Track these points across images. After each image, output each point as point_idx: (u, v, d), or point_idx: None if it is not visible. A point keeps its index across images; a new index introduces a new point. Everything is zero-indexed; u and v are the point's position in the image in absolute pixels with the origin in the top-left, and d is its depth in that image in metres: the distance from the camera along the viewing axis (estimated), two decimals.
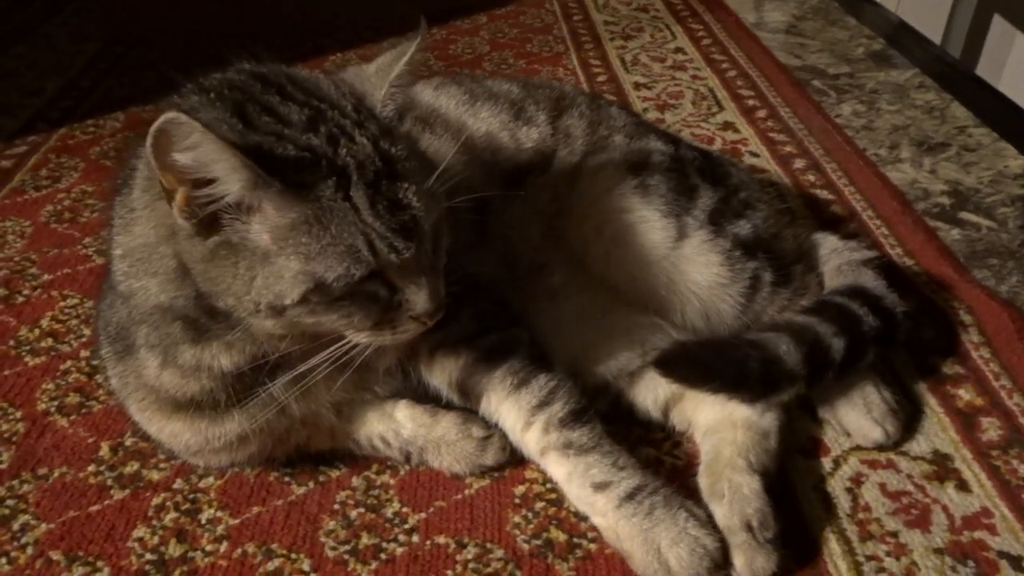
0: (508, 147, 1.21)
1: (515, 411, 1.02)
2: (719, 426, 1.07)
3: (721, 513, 0.97)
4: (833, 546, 0.98)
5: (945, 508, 1.03)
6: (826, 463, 1.10)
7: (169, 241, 0.84)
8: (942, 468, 1.08)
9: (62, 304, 1.42)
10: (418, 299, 0.85)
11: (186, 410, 0.96)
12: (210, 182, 0.77)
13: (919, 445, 1.11)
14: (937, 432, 1.13)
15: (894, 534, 0.99)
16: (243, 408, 0.95)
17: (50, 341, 1.34)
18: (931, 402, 1.18)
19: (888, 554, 0.97)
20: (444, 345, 1.04)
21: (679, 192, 1.20)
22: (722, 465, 1.02)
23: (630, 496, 0.95)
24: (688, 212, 1.18)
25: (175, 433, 1.00)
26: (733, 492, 0.97)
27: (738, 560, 0.93)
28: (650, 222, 1.16)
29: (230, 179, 0.77)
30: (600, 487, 0.97)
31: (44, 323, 1.38)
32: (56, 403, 1.22)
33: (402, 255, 0.82)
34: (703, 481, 1.02)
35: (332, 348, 0.88)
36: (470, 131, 1.20)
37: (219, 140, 0.74)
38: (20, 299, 1.44)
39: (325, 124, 0.82)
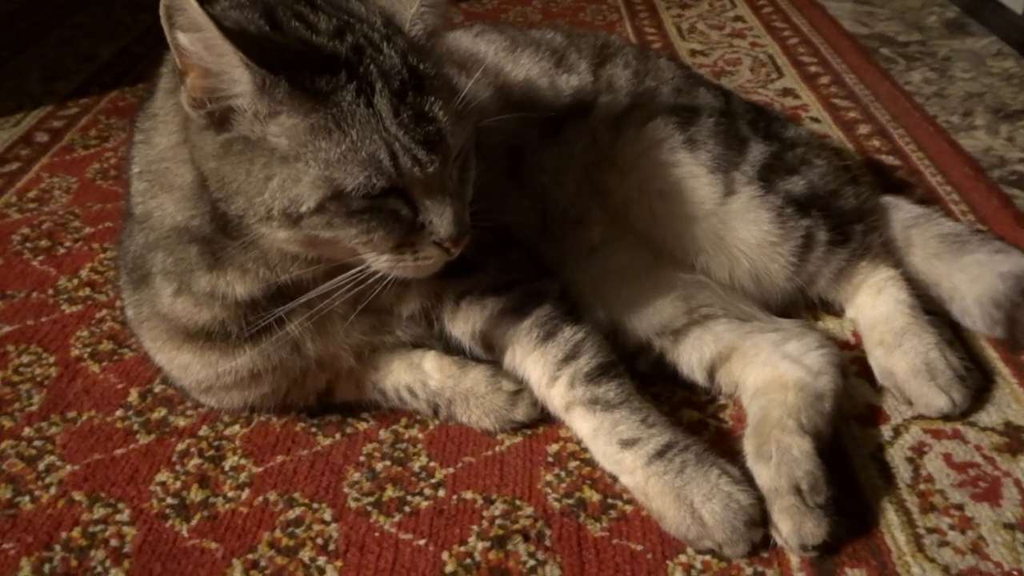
0: (547, 94, 1.16)
1: (540, 365, 0.97)
2: (769, 387, 1.00)
3: (767, 475, 0.90)
4: (891, 517, 0.91)
5: (1018, 482, 0.94)
6: (885, 431, 1.02)
7: (187, 145, 0.81)
8: (1015, 440, 0.99)
9: (102, 256, 1.42)
10: (441, 221, 0.81)
11: (196, 340, 0.93)
12: (217, 74, 0.74)
13: (989, 416, 1.02)
14: (1010, 403, 1.04)
15: (959, 507, 0.91)
16: (256, 343, 0.92)
17: (88, 291, 1.33)
18: (1004, 372, 1.08)
19: (952, 527, 0.89)
20: (470, 294, 0.99)
21: (727, 147, 1.13)
22: (770, 426, 0.94)
23: (660, 453, 0.89)
24: (736, 167, 1.12)
25: (185, 365, 0.97)
26: (782, 453, 0.90)
27: (784, 525, 0.86)
28: (697, 177, 1.10)
29: (236, 75, 0.74)
30: (628, 444, 0.91)
31: (83, 274, 1.38)
32: (89, 349, 1.21)
33: (425, 169, 0.78)
34: (749, 443, 0.95)
35: (349, 273, 0.83)
36: (508, 76, 1.14)
37: (218, 30, 0.71)
38: (62, 251, 1.44)
39: (353, 34, 0.79)
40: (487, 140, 0.98)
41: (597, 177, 1.16)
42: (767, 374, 1.02)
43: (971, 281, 1.12)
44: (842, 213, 1.14)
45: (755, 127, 1.18)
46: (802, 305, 1.18)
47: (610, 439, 0.92)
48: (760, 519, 0.86)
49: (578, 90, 1.17)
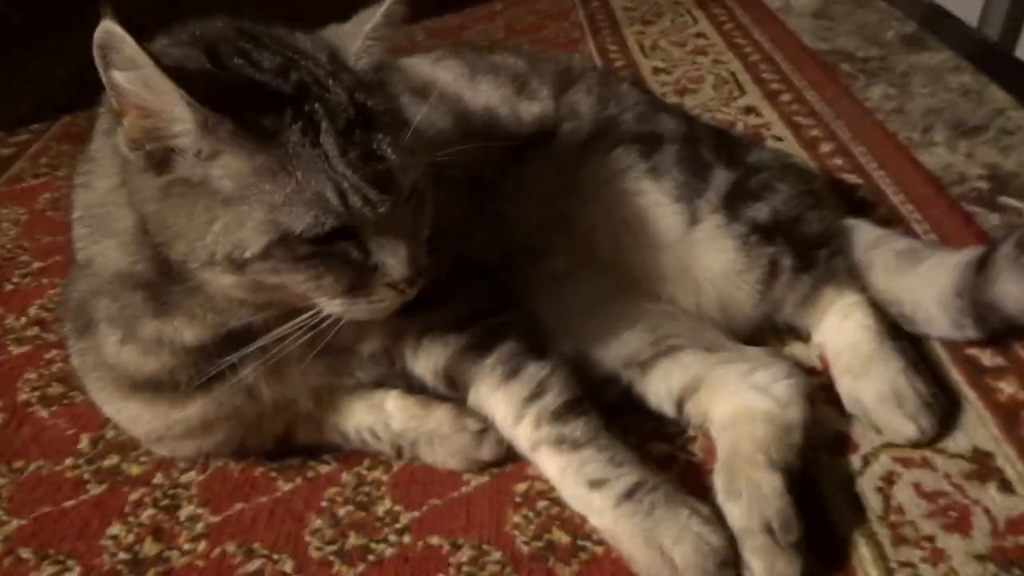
0: (508, 122, 1.14)
1: (504, 403, 0.94)
2: (738, 419, 0.99)
3: (738, 513, 0.88)
4: (863, 551, 0.89)
5: (987, 510, 0.93)
6: (855, 460, 1.01)
7: (126, 188, 0.78)
8: (983, 467, 0.98)
9: (51, 292, 1.37)
10: (395, 262, 0.78)
11: (145, 390, 0.90)
12: (157, 113, 0.71)
13: (956, 442, 1.02)
14: (977, 428, 1.03)
15: (930, 538, 0.90)
16: (207, 392, 0.88)
17: (36, 330, 1.29)
18: (970, 396, 1.08)
19: (924, 560, 0.88)
20: (431, 330, 0.96)
21: (691, 174, 1.12)
22: (740, 461, 0.93)
23: (628, 494, 0.87)
24: (700, 195, 1.11)
25: (133, 416, 0.93)
26: (752, 490, 0.89)
27: (756, 565, 0.84)
28: (662, 206, 1.10)
29: (177, 113, 0.71)
30: (596, 484, 0.89)
31: (32, 311, 1.33)
32: (38, 393, 1.16)
33: (376, 208, 0.75)
34: (719, 479, 0.93)
35: (301, 318, 0.80)
36: (467, 104, 1.12)
37: (157, 68, 0.68)
38: (9, 287, 1.39)
39: (298, 71, 0.76)
40: (446, 171, 0.96)
41: (560, 204, 1.14)
42: (735, 405, 1.00)
43: (927, 285, 1.12)
44: (806, 239, 1.14)
45: (718, 152, 1.17)
46: (768, 331, 1.17)
47: (577, 479, 0.90)
48: (732, 559, 0.84)
49: (540, 118, 1.16)
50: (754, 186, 1.15)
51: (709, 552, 0.83)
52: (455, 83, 1.16)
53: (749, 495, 0.89)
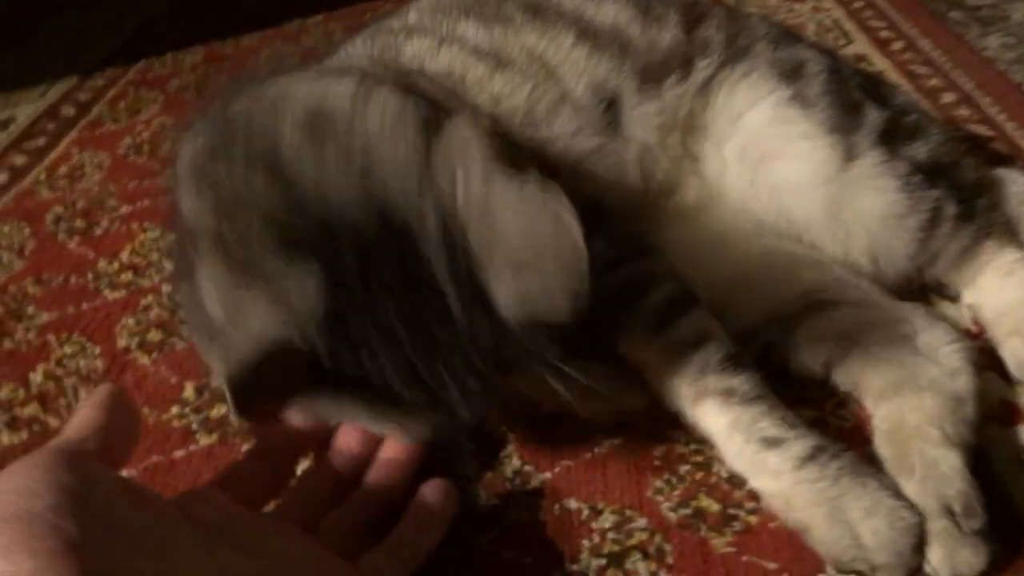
0: (639, 43, 1.05)
1: (660, 352, 0.86)
2: (899, 388, 0.89)
3: (911, 492, 0.79)
4: None
5: None
6: None
7: None
8: None
9: (142, 237, 1.32)
10: None
11: None
12: None
13: None
14: None
15: None
16: None
17: (130, 275, 1.24)
18: None
19: None
20: None
21: (843, 107, 1.02)
22: (908, 434, 0.84)
23: (811, 457, 0.78)
24: (856, 130, 1.00)
25: None
26: (927, 468, 0.80)
27: (935, 553, 0.75)
28: (813, 139, 0.99)
29: None
30: (772, 443, 0.80)
31: (124, 256, 1.28)
32: (137, 339, 1.11)
33: None
34: (885, 451, 0.84)
35: None
36: (592, 21, 1.03)
37: None
38: (99, 231, 1.35)
39: None
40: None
41: (691, 145, 1.05)
42: (895, 373, 0.91)
43: None
44: (966, 186, 1.03)
45: (866, 90, 1.07)
46: (914, 289, 1.08)
47: (749, 437, 0.81)
48: (922, 542, 0.76)
49: (672, 47, 1.06)
50: (907, 127, 1.05)
51: (905, 530, 0.74)
52: (574, 1, 1.07)
53: (924, 472, 0.80)
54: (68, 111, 1.73)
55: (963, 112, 1.56)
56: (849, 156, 0.98)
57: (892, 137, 1.01)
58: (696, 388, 0.84)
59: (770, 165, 1.01)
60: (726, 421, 0.83)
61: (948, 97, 1.61)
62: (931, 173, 1.00)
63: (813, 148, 0.98)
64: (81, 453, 0.62)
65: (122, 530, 0.56)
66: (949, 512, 0.77)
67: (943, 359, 0.91)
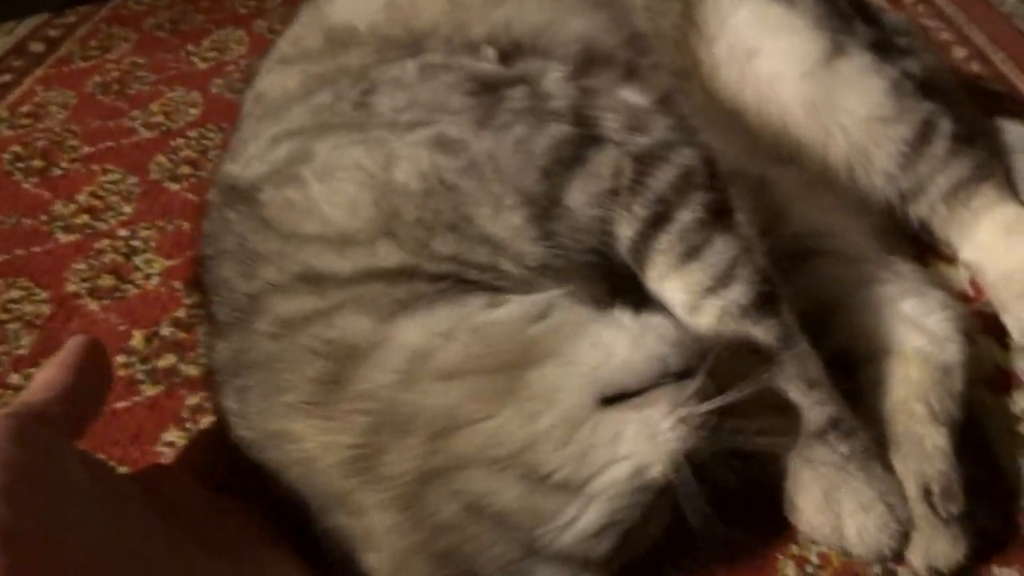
0: None
1: (681, 291, 0.72)
2: (883, 355, 0.83)
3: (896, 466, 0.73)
4: None
5: None
6: (1021, 400, 0.86)
7: None
8: None
9: (102, 179, 1.26)
10: None
11: None
12: None
13: None
14: None
15: None
16: None
17: (86, 217, 1.18)
18: None
19: None
20: None
21: (829, 10, 0.96)
22: (893, 408, 0.78)
23: (821, 433, 0.69)
24: (844, 32, 0.94)
25: None
26: (911, 445, 0.73)
27: (912, 542, 0.69)
28: (798, 31, 0.93)
29: None
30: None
31: (81, 198, 1.22)
32: (87, 285, 1.05)
33: None
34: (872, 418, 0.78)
35: None
36: None
37: None
38: (57, 172, 1.28)
39: None
40: None
41: (687, 48, 0.99)
42: (880, 338, 0.85)
43: None
44: (964, 114, 0.96)
45: (858, 9, 1.01)
46: (896, 232, 0.98)
47: None
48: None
49: None
50: (901, 45, 0.98)
51: (895, 532, 0.68)
52: None
53: (907, 449, 0.73)
54: (37, 47, 1.65)
55: (975, 67, 1.47)
56: (835, 52, 0.92)
57: (884, 49, 0.95)
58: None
59: (755, 60, 0.94)
60: None
61: (960, 52, 1.52)
62: (926, 87, 0.93)
63: (796, 42, 0.92)
64: (40, 420, 0.53)
65: (75, 515, 0.48)
66: (927, 493, 0.71)
67: (932, 326, 0.84)
